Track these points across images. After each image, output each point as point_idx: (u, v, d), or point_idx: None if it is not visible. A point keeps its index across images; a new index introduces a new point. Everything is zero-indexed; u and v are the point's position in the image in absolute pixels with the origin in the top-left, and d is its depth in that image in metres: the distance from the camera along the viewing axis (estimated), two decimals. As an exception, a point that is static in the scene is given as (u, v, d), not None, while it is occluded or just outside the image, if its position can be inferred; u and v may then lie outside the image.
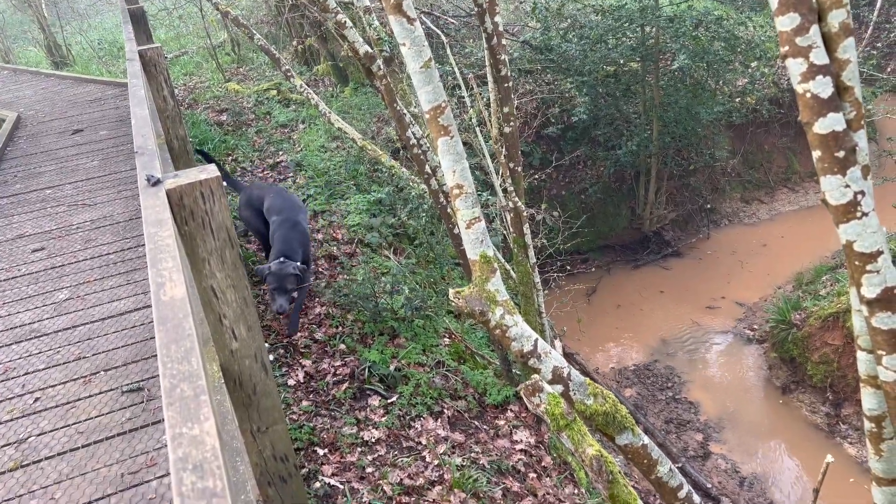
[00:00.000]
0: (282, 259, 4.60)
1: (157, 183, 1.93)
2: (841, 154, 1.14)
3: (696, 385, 8.48)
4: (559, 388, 2.00)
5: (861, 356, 1.39)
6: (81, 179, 5.29)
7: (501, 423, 4.94)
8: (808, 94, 1.15)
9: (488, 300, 1.98)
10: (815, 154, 1.19)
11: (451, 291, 2.04)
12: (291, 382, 4.50)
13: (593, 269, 10.13)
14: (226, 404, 1.96)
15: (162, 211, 1.72)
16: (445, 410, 4.74)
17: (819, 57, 1.13)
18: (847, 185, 1.17)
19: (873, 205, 1.20)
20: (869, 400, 1.39)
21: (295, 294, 4.82)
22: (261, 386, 2.20)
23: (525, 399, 2.60)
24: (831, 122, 1.14)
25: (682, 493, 2.00)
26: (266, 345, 3.59)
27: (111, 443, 2.69)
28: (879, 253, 1.18)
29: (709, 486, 6.74)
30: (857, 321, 1.38)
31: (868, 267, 1.19)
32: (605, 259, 11.03)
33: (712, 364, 9.00)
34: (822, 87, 1.13)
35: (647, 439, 2.01)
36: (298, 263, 4.65)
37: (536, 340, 2.00)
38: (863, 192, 1.18)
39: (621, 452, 2.02)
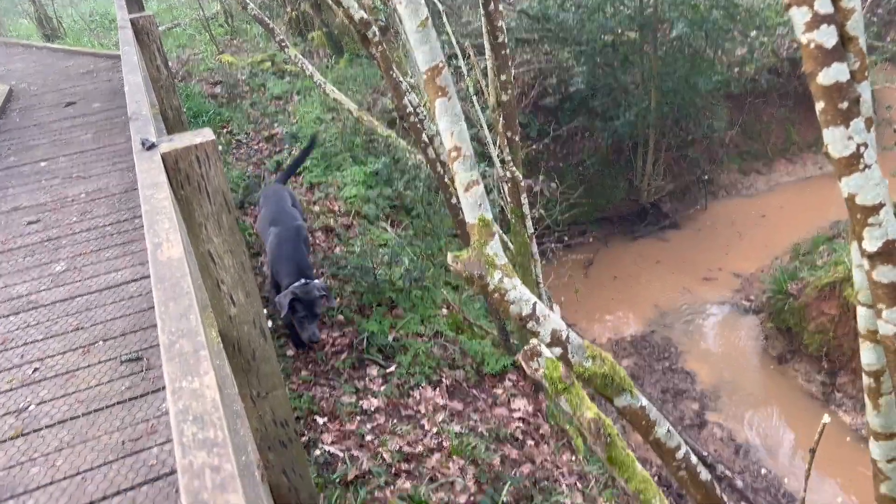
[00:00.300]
0: (304, 281, 4.18)
1: (151, 147, 1.91)
2: (844, 105, 1.13)
3: (693, 355, 8.54)
4: (558, 350, 2.00)
5: (861, 311, 1.40)
6: (76, 152, 5.24)
7: (499, 391, 4.97)
8: (812, 44, 1.14)
9: (487, 264, 1.97)
10: (819, 106, 1.18)
11: (449, 256, 2.03)
12: (290, 353, 4.52)
13: (591, 240, 10.13)
14: (225, 369, 1.96)
15: (157, 174, 1.71)
16: (444, 380, 4.76)
17: (824, 5, 1.11)
18: (850, 137, 1.16)
19: (876, 157, 1.19)
20: (868, 355, 1.39)
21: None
22: (260, 351, 2.20)
23: (523, 364, 2.60)
24: (835, 73, 1.13)
25: (679, 454, 2.01)
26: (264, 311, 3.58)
27: (111, 411, 2.70)
28: (881, 206, 1.18)
29: (704, 454, 6.81)
30: (857, 276, 1.37)
31: (870, 220, 1.19)
32: (602, 231, 11.01)
33: (709, 334, 9.05)
34: (827, 36, 1.12)
35: (645, 401, 2.02)
36: (318, 282, 4.27)
37: (535, 304, 2.00)
38: (866, 144, 1.17)
39: (620, 414, 2.03)
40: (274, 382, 2.31)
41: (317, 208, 6.14)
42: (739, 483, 6.58)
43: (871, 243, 1.20)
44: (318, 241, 5.71)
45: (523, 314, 1.98)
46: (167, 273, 1.25)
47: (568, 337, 2.01)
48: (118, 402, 2.72)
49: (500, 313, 5.33)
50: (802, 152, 12.61)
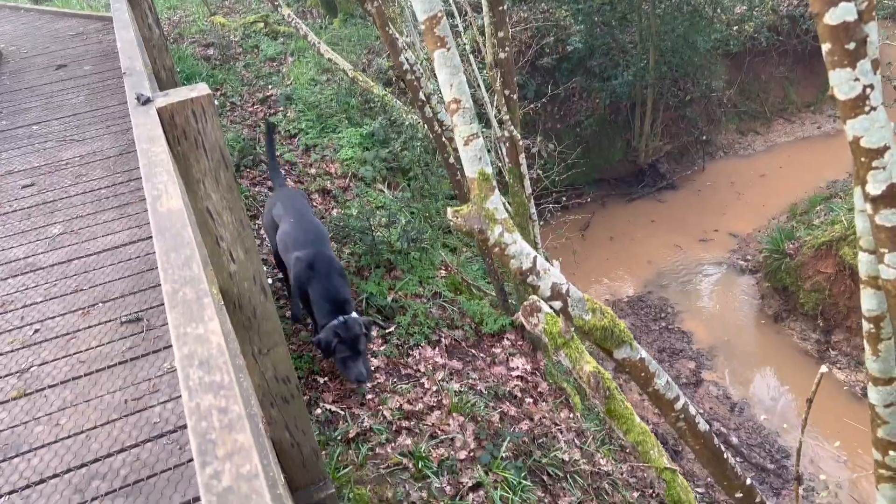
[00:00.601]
0: (342, 319, 3.76)
1: (147, 102, 1.88)
2: (851, 46, 1.11)
3: (689, 315, 8.60)
4: (558, 304, 2.00)
5: (862, 257, 1.40)
6: (68, 115, 5.19)
7: (498, 351, 5.01)
8: (820, -17, 1.11)
9: (487, 218, 1.96)
10: (825, 47, 1.16)
11: (449, 211, 2.02)
12: (289, 314, 4.53)
13: (588, 201, 10.12)
14: (227, 325, 1.96)
15: (154, 128, 1.68)
16: (443, 339, 4.79)
17: (832, -56, 1.09)
18: (856, 79, 1.14)
19: (882, 99, 1.17)
20: (869, 301, 1.40)
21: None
22: (260, 308, 2.20)
23: (523, 319, 2.62)
24: (843, 13, 1.11)
25: (678, 405, 2.04)
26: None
27: (113, 371, 2.72)
28: (886, 148, 1.17)
29: (700, 411, 6.90)
30: (859, 222, 1.37)
31: (874, 163, 1.18)
32: (600, 192, 11.00)
33: (705, 295, 9.11)
34: (835, -26, 1.09)
35: (644, 353, 2.04)
36: (356, 315, 3.86)
37: (535, 258, 2.00)
38: (872, 86, 1.15)
39: (619, 366, 2.05)
40: (275, 339, 2.32)
41: (313, 171, 6.10)
42: (734, 440, 6.69)
43: (875, 186, 1.19)
44: (315, 204, 5.68)
45: (524, 268, 1.99)
46: (167, 224, 1.25)
47: (568, 290, 2.02)
48: (119, 363, 2.73)
49: (498, 273, 5.35)
50: (800, 112, 12.55)
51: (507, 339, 5.19)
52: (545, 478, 4.08)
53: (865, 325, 1.43)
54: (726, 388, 7.45)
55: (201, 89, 1.91)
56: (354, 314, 3.85)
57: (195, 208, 1.95)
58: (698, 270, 9.39)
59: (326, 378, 4.13)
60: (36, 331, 2.97)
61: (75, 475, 2.30)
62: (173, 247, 1.17)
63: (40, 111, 5.30)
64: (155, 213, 1.30)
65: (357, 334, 3.73)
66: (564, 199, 7.67)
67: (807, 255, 7.82)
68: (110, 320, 3.00)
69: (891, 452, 1.46)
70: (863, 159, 1.19)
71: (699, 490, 5.88)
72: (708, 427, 2.08)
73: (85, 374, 2.70)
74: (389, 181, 6.34)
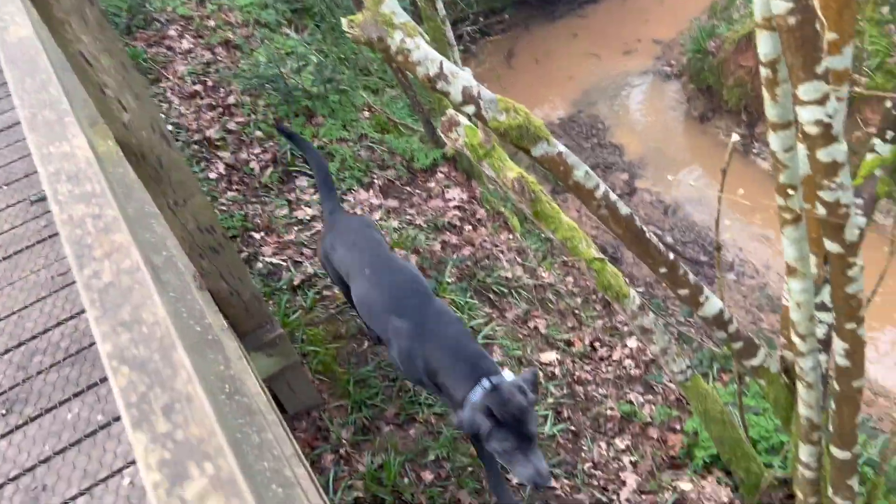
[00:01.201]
0: (490, 384, 2.45)
1: (-22, -65, 1.65)
2: None
3: (620, 128, 8.69)
4: (471, 108, 1.96)
5: (756, 0, 1.38)
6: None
7: (433, 185, 5.01)
8: None
9: (385, 24, 1.85)
10: None
11: (343, 21, 1.90)
12: (213, 175, 4.39)
13: (508, 18, 9.71)
14: (129, 176, 1.87)
15: (-11, -40, 1.49)
16: (375, 181, 4.75)
17: None
18: None
19: None
20: (765, 44, 1.39)
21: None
22: (165, 157, 2.10)
23: (443, 135, 2.58)
24: None
25: (598, 193, 2.08)
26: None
27: (32, 250, 2.62)
28: None
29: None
30: (752, -39, 1.33)
31: None
32: (521, 14, 10.61)
33: (633, 106, 9.16)
34: None
35: (562, 147, 2.04)
36: (508, 373, 2.60)
37: (442, 62, 1.92)
38: None
39: (539, 164, 2.05)
40: (190, 189, 2.24)
41: (212, 23, 5.67)
42: (669, 239, 7.02)
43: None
44: (219, 58, 5.34)
45: (431, 74, 1.91)
46: (19, 53, 1.13)
47: (479, 93, 1.96)
48: (38, 242, 2.63)
49: (423, 107, 5.22)
50: None
51: (441, 171, 5.17)
52: (491, 296, 4.25)
53: (763, 72, 1.43)
54: (659, 192, 7.70)
55: (39, -86, 1.68)
56: (507, 372, 2.60)
57: (67, 54, 1.79)
58: (625, 83, 9.37)
59: (262, 233, 4.09)
60: (-61, 223, 2.82)
61: (15, 354, 2.27)
62: (28, 72, 1.06)
63: None
64: (3, 44, 1.17)
65: (522, 408, 2.37)
66: (482, 19, 7.38)
67: (728, 52, 7.84)
68: (18, 202, 2.85)
69: (789, 192, 1.52)
70: None
71: (639, 289, 6.23)
72: (629, 211, 2.14)
73: (4, 258, 2.60)
74: (296, 24, 5.96)
